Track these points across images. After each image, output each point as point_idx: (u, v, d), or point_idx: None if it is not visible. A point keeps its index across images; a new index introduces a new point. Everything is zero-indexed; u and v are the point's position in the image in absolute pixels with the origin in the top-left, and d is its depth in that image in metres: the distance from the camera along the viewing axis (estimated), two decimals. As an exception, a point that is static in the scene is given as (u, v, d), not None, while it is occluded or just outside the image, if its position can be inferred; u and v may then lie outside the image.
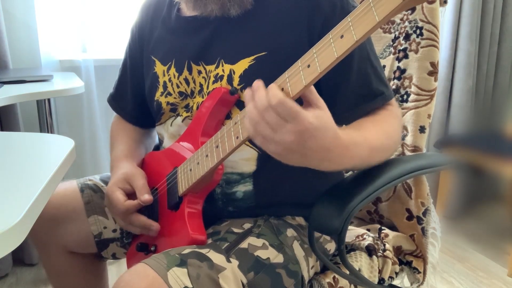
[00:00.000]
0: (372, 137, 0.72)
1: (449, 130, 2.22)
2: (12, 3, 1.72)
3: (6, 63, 1.66)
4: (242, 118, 0.67)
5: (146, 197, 0.81)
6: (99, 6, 1.83)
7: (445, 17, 2.12)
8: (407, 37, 1.00)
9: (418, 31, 0.96)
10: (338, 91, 0.78)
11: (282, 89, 0.62)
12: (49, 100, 1.66)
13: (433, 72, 0.94)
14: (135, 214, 0.83)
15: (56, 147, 0.73)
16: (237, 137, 0.68)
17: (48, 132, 1.69)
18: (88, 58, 1.83)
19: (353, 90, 0.78)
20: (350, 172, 1.09)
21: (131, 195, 0.84)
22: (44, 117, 1.69)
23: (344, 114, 0.77)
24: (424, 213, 0.95)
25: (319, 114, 0.59)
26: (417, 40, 0.96)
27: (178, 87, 0.86)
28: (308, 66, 0.58)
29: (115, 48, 1.91)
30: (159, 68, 0.89)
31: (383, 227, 1.00)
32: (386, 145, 0.75)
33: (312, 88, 0.61)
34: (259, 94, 0.60)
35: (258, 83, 0.62)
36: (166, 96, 0.87)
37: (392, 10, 0.49)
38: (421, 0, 0.50)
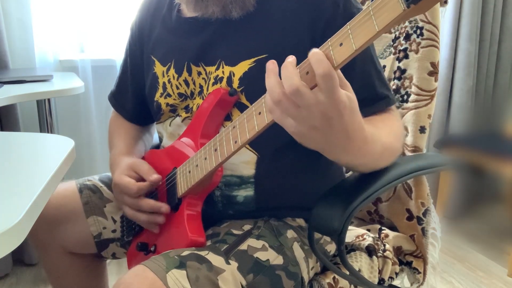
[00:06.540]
0: (385, 136, 0.69)
1: (449, 130, 2.21)
2: (10, 2, 1.71)
3: (6, 63, 1.66)
4: (242, 122, 0.67)
5: (154, 176, 0.81)
6: (98, 5, 1.83)
7: (445, 17, 2.12)
8: (407, 37, 0.99)
9: (418, 31, 0.96)
10: None
11: None
12: (49, 100, 1.66)
13: (433, 72, 0.94)
14: (143, 199, 0.82)
15: (56, 147, 0.73)
16: (235, 142, 0.68)
17: (48, 132, 1.68)
18: (86, 58, 1.83)
19: (357, 92, 0.77)
20: (350, 173, 1.09)
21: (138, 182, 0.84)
22: (44, 117, 1.69)
23: None
24: (424, 214, 0.95)
25: (351, 96, 0.56)
26: (418, 40, 0.96)
27: (177, 88, 0.85)
28: (307, 73, 0.55)
29: (113, 48, 1.90)
30: (158, 68, 0.88)
31: (383, 227, 1.00)
32: (395, 147, 0.73)
33: (339, 72, 0.56)
34: (271, 81, 0.55)
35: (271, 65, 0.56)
36: (165, 97, 0.87)
37: (392, 20, 0.48)
38: (421, 11, 0.49)
